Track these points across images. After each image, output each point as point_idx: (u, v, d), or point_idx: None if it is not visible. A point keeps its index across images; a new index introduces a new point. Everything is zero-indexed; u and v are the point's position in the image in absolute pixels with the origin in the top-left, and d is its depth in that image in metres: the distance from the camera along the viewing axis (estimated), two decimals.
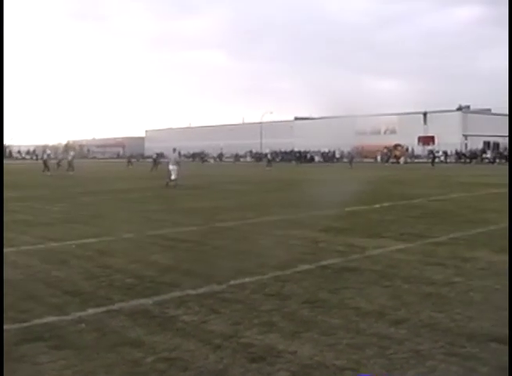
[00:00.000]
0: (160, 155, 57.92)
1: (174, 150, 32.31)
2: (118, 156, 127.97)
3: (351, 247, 10.63)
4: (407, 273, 8.44)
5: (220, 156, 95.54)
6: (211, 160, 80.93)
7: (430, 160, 64.32)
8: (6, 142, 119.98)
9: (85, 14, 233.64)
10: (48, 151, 54.47)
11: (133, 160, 71.54)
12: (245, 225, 13.85)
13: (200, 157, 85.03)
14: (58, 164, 49.64)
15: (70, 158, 48.94)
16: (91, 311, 6.68)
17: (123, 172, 50.06)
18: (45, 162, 45.83)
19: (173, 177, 29.09)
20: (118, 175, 44.54)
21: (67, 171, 44.89)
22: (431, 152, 70.33)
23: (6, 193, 20.62)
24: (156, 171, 44.56)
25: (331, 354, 5.21)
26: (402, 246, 10.80)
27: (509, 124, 49.48)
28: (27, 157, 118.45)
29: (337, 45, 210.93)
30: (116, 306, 6.87)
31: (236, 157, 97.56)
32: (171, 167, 29.90)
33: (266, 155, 73.69)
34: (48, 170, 44.15)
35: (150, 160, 59.36)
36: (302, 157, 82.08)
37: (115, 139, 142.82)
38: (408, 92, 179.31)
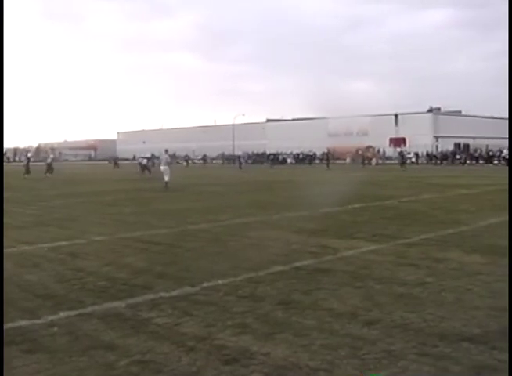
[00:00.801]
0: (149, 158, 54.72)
1: (166, 151, 32.30)
2: (90, 158, 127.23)
3: (324, 249, 10.67)
4: (379, 274, 8.49)
5: (204, 157, 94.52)
6: (184, 163, 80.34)
7: (400, 162, 63.17)
8: None
9: (56, 14, 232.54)
10: (30, 154, 54.21)
11: (109, 162, 71.39)
12: (218, 227, 13.83)
13: (184, 158, 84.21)
14: (48, 168, 49.04)
15: (49, 161, 48.77)
16: (63, 314, 6.63)
17: (109, 174, 49.73)
18: (26, 165, 45.51)
19: (166, 178, 29.11)
20: (102, 177, 44.40)
21: (46, 173, 44.58)
22: (400, 153, 69.72)
23: None
24: (150, 174, 43.28)
25: (305, 355, 5.23)
26: (374, 247, 10.86)
27: (509, 125, 49.72)
28: None
29: (307, 48, 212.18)
30: (88, 309, 6.83)
31: (222, 158, 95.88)
32: (162, 168, 29.90)
33: (239, 157, 73.64)
34: (29, 172, 43.67)
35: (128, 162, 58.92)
36: (275, 159, 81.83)
37: (87, 141, 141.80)
38: (379, 94, 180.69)
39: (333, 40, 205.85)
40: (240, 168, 62.11)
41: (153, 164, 49.98)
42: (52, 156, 53.60)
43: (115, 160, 70.13)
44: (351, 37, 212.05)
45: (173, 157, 45.32)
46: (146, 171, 45.04)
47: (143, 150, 73.38)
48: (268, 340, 5.65)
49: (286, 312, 6.61)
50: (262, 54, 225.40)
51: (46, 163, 48.04)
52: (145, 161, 47.88)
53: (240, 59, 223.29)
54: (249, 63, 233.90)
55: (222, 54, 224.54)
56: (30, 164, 47.10)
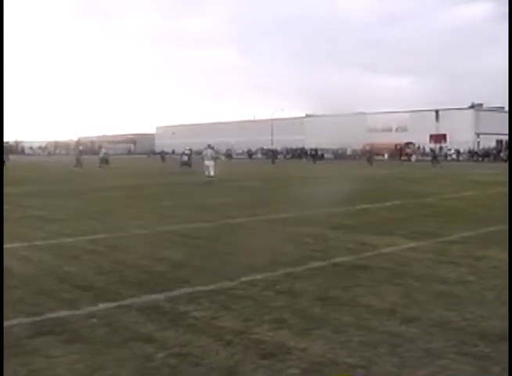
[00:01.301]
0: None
1: (209, 145, 32.39)
2: (129, 152, 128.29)
3: (362, 245, 10.60)
4: (419, 272, 8.40)
5: (249, 153, 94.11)
6: (222, 157, 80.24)
7: (432, 159, 57.75)
8: (16, 138, 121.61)
9: (94, 11, 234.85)
10: (81, 147, 56.04)
11: (148, 155, 72.25)
12: (256, 222, 13.83)
13: (226, 153, 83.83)
14: (102, 161, 50.17)
15: (101, 155, 50.26)
16: (102, 306, 6.70)
17: (149, 168, 49.93)
18: (77, 158, 46.87)
19: (212, 173, 29.25)
20: (143, 171, 44.72)
21: (99, 167, 45.73)
22: (433, 150, 67.23)
23: (22, 189, 20.72)
24: (191, 168, 43.17)
25: (343, 352, 5.19)
26: (413, 244, 10.75)
27: (509, 124, 49.14)
28: (40, 152, 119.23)
29: (344, 43, 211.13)
30: (127, 301, 6.88)
31: (274, 153, 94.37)
32: (207, 163, 29.96)
33: (272, 152, 73.59)
34: (80, 164, 44.95)
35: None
36: (315, 154, 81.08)
37: (126, 135, 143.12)
38: (419, 90, 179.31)
39: (368, 35, 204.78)
40: (273, 163, 61.94)
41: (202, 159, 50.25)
42: (103, 150, 54.99)
43: (162, 155, 71.10)
44: (388, 32, 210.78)
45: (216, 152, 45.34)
46: (186, 166, 45.20)
47: (182, 145, 73.49)
48: (305, 336, 5.63)
49: (324, 308, 6.58)
50: (299, 49, 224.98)
51: (100, 156, 49.60)
52: (186, 157, 48.12)
53: (277, 53, 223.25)
54: (287, 58, 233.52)
55: (259, 49, 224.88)
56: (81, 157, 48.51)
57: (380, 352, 5.17)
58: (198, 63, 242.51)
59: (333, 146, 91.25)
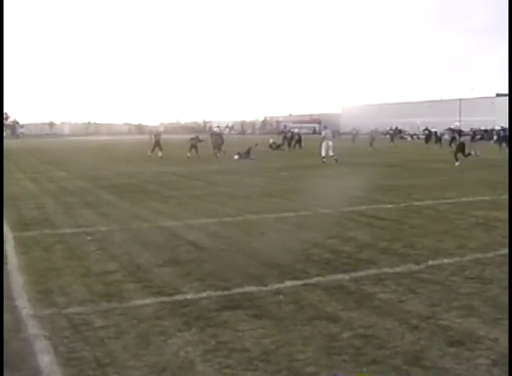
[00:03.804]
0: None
1: (326, 127, 33.55)
2: (314, 131, 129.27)
3: None
4: None
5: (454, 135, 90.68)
6: (408, 138, 78.45)
7: None
8: (205, 118, 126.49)
9: None
10: (294, 130, 56.50)
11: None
12: (443, 205, 13.44)
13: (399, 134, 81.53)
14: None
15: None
16: (288, 283, 6.81)
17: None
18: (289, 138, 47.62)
19: (331, 153, 29.48)
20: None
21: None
22: None
23: (215, 166, 21.47)
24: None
25: None
26: None
27: (509, 121, 45.20)
28: (227, 131, 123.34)
29: None
30: (313, 280, 6.95)
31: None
32: (330, 143, 30.15)
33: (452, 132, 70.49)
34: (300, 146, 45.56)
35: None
36: (503, 136, 76.56)
37: (311, 115, 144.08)
38: None
39: None
40: (392, 141, 59.45)
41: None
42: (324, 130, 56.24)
43: (353, 136, 69.78)
44: None
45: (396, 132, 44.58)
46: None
47: (366, 125, 72.94)
48: (496, 325, 5.40)
49: None
50: (490, 26, 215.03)
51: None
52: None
53: (469, 30, 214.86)
54: (478, 35, 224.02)
55: (451, 25, 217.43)
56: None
57: None
58: (384, 39, 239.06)
59: None
